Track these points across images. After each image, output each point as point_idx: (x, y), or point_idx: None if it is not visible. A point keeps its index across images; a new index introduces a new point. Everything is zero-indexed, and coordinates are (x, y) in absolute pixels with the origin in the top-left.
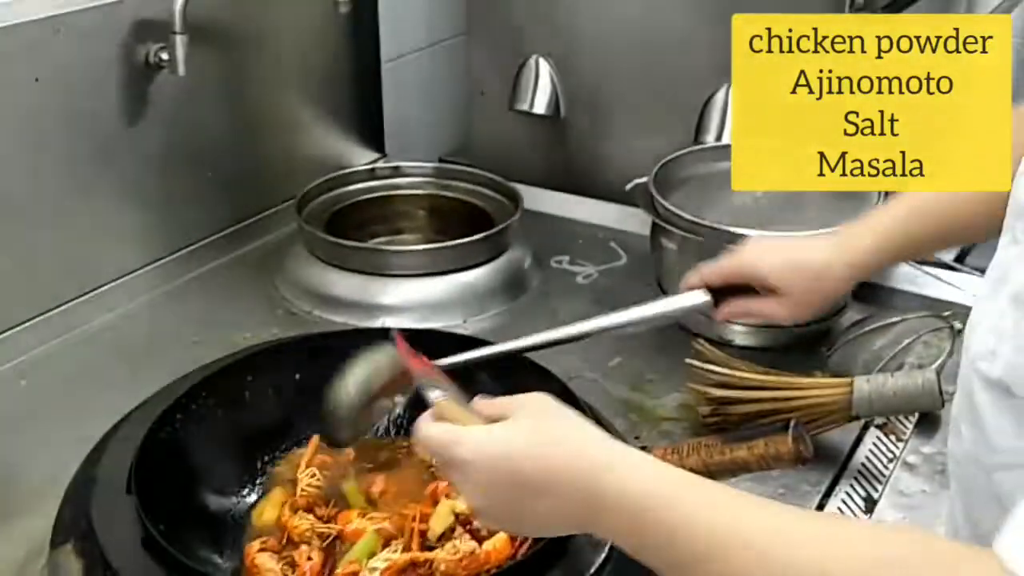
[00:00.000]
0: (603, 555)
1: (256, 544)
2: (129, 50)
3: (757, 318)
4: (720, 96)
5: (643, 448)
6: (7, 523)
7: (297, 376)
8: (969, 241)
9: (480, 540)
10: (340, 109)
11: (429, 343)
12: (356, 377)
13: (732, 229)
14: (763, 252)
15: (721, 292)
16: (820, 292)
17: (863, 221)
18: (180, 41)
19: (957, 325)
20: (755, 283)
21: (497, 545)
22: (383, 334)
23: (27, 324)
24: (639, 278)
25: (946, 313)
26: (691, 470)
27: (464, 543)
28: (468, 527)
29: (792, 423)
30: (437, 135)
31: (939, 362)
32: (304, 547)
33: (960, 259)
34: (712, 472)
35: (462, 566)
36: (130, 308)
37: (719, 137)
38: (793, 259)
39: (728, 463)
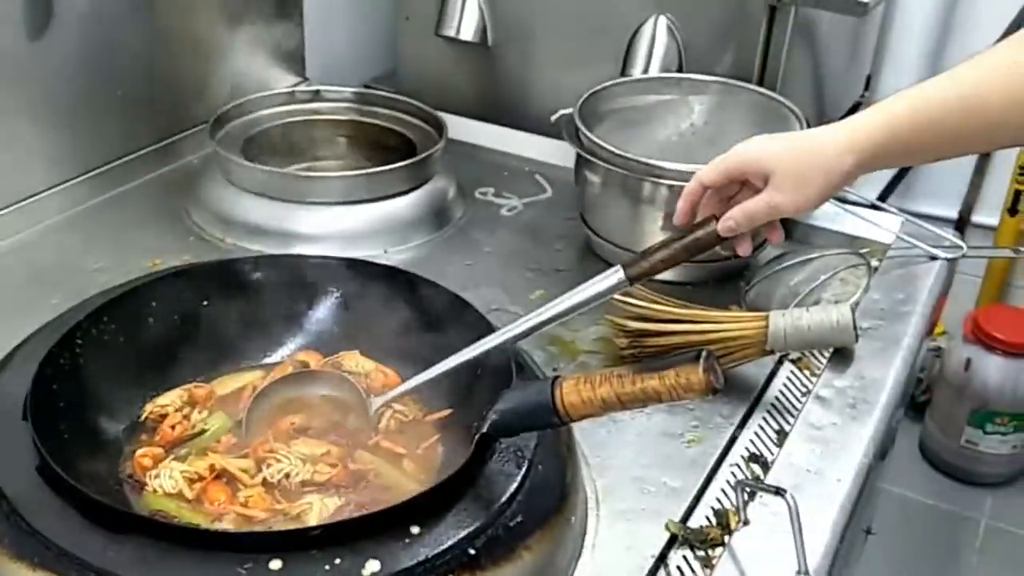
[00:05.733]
0: (515, 484)
1: None
2: None
3: (760, 216)
4: (648, 27)
5: (556, 378)
6: None
7: (205, 303)
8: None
9: None
10: (260, 29)
11: (348, 273)
12: None
13: (656, 163)
14: (764, 141)
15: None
16: (822, 169)
17: (876, 104)
18: None
19: (874, 262)
20: (756, 174)
21: None
22: (294, 260)
23: None
24: (563, 211)
25: (864, 250)
26: (603, 399)
27: None
28: None
29: (703, 353)
30: (362, 60)
31: (855, 298)
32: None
33: (883, 197)
34: (624, 402)
35: None
36: (34, 232)
37: (646, 70)
38: (794, 140)
39: (639, 393)
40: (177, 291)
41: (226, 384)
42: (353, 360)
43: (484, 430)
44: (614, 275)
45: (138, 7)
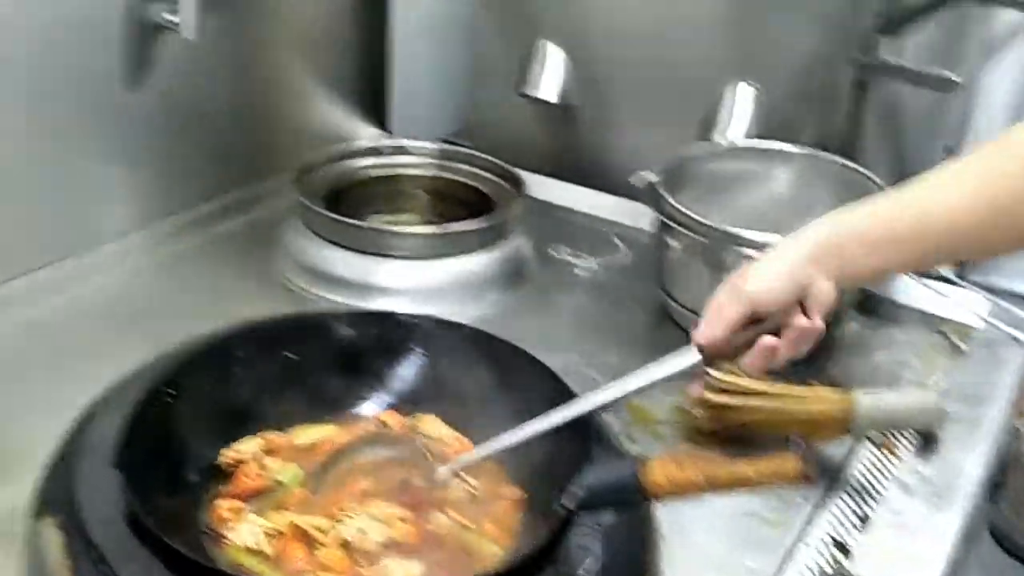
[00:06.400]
0: (594, 561)
1: None
2: (135, 10)
3: (731, 314)
4: (730, 93)
5: (638, 457)
6: None
7: (289, 355)
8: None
9: None
10: (346, 82)
11: (435, 332)
12: None
13: (738, 232)
14: (760, 281)
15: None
16: (782, 260)
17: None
18: (190, 3)
19: (957, 342)
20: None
21: None
22: (381, 317)
23: (15, 282)
24: (640, 274)
25: (947, 330)
26: (690, 482)
27: None
28: None
29: (801, 443)
30: (443, 115)
31: (939, 380)
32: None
33: (961, 275)
34: (712, 486)
35: None
36: (122, 274)
37: (727, 135)
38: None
39: (730, 478)
40: (264, 342)
41: (303, 435)
42: (432, 425)
43: (566, 504)
44: (692, 356)
45: (232, 59)
